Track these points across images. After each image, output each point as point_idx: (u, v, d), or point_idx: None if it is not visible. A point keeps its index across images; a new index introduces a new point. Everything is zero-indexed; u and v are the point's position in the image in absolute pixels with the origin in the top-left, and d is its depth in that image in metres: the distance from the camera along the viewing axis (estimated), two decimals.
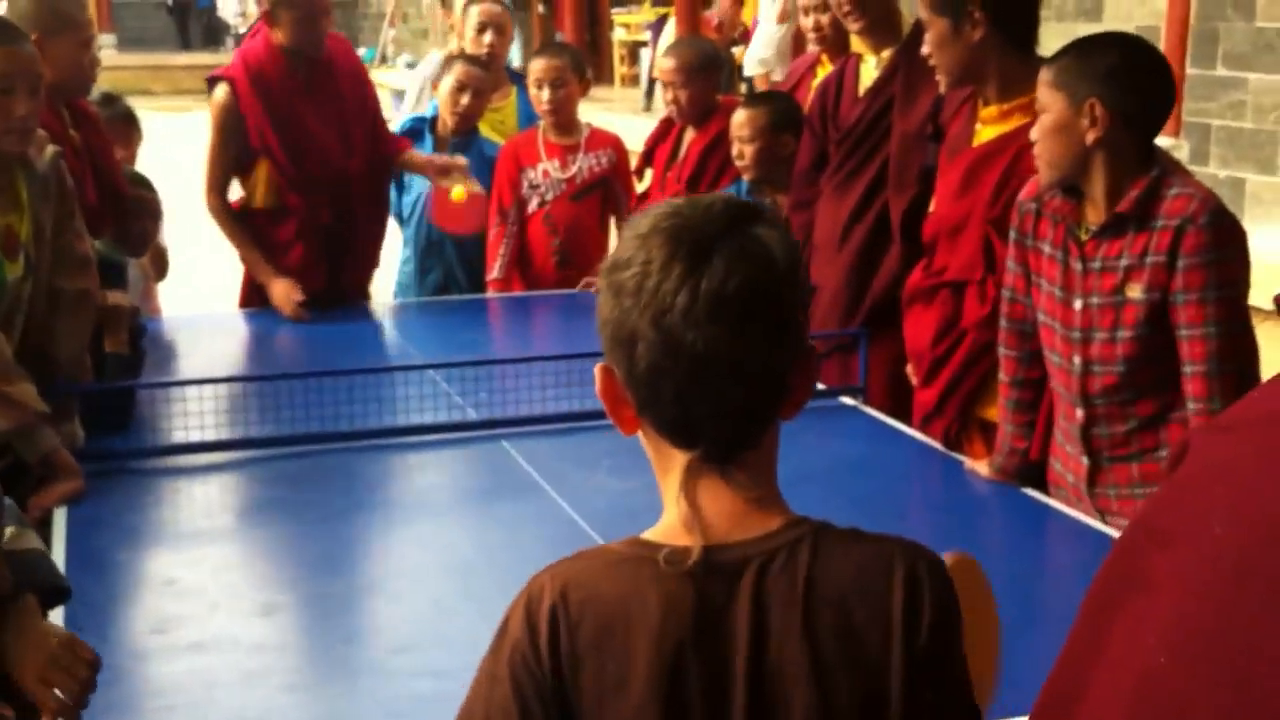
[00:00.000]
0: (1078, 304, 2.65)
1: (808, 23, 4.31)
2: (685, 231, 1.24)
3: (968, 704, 1.31)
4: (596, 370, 1.32)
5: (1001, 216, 3.01)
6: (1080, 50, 2.61)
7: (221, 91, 4.34)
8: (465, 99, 4.76)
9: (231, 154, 4.39)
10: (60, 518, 2.74)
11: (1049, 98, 2.60)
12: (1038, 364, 2.83)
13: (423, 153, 4.67)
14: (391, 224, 4.90)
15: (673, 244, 1.23)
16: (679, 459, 1.29)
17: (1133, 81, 2.57)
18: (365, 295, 4.74)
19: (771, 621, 1.24)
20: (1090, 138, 2.54)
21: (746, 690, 1.23)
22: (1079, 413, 2.69)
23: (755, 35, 10.84)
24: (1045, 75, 2.62)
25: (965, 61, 3.05)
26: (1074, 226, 2.66)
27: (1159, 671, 0.88)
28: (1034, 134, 2.66)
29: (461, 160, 4.55)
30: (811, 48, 4.61)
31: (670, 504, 1.30)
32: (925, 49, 3.12)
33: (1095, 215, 2.62)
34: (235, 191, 4.52)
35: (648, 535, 1.30)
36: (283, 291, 4.33)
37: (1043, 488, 2.90)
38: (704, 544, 1.25)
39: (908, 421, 3.37)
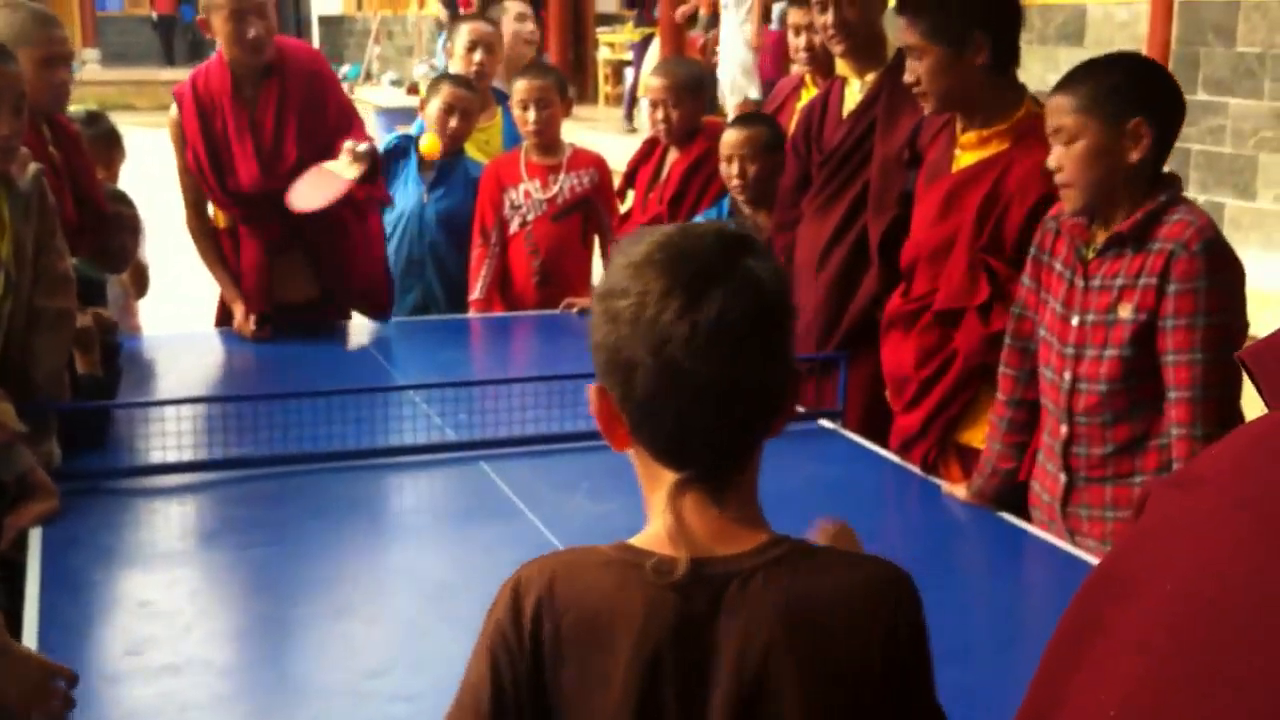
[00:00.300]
0: (1075, 320, 2.67)
1: (799, 42, 4.30)
2: (681, 263, 1.29)
3: (935, 709, 1.37)
4: (590, 390, 1.36)
5: (992, 243, 3.01)
6: (1102, 73, 2.61)
7: (172, 111, 4.30)
8: (454, 121, 4.77)
9: (183, 166, 4.31)
10: (36, 537, 2.73)
11: (1079, 124, 2.58)
12: (1035, 385, 2.84)
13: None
14: None
15: (670, 276, 1.28)
16: (668, 476, 1.34)
17: (1167, 97, 2.60)
18: (380, 303, 4.57)
19: (754, 634, 1.28)
20: (1134, 157, 2.55)
21: (726, 699, 1.28)
22: (1063, 429, 2.71)
23: (723, 66, 10.65)
24: (1068, 102, 2.59)
25: (964, 88, 3.05)
26: (1081, 246, 2.68)
27: (1134, 698, 0.89)
28: (1054, 161, 2.64)
29: (360, 146, 4.29)
30: (797, 68, 4.61)
31: (655, 516, 1.35)
32: (910, 77, 3.11)
33: (1103, 235, 2.64)
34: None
35: (634, 542, 1.35)
36: (240, 315, 4.31)
37: (1019, 512, 2.91)
38: (690, 556, 1.30)
39: (884, 444, 3.38)
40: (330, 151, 4.24)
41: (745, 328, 1.28)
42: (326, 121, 4.30)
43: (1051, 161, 2.66)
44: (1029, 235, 2.90)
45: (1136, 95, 2.56)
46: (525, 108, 4.72)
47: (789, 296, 1.34)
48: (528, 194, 4.75)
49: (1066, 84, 2.63)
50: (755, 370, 1.29)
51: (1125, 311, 2.58)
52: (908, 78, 3.12)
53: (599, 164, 4.89)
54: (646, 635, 1.28)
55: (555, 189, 4.76)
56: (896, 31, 3.20)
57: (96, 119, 4.70)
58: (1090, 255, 2.66)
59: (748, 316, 1.28)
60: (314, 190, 4.14)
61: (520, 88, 4.74)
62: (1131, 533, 0.98)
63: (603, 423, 1.36)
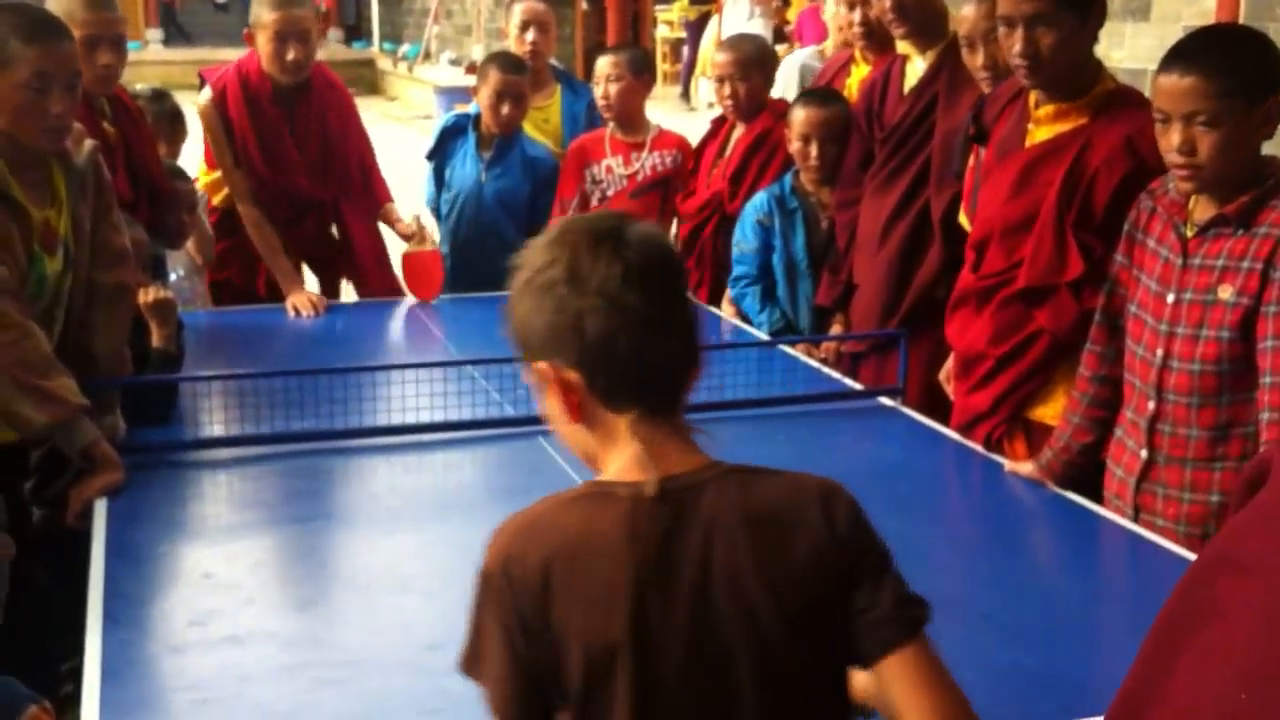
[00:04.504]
0: (1170, 298, 2.63)
1: (853, 16, 4.24)
2: (593, 227, 1.50)
3: (904, 589, 1.49)
4: (535, 373, 1.52)
5: (1080, 218, 2.93)
6: (1238, 53, 2.51)
7: (204, 98, 4.44)
8: (506, 108, 4.77)
9: (230, 157, 4.46)
10: (100, 510, 2.76)
11: (1225, 108, 2.44)
12: (1119, 363, 2.79)
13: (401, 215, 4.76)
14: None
15: (589, 235, 1.48)
16: (621, 422, 1.49)
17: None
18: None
19: (718, 535, 1.44)
20: (1262, 135, 2.50)
21: (699, 594, 1.42)
22: (1150, 405, 2.67)
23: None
24: (1212, 86, 2.44)
25: (1076, 59, 2.94)
26: (1180, 224, 2.64)
27: (1232, 701, 0.87)
28: (1185, 143, 2.49)
29: (429, 232, 4.66)
30: (837, 39, 4.55)
31: (616, 457, 1.50)
32: (1027, 47, 2.87)
33: (1203, 214, 2.59)
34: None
35: (602, 479, 1.51)
36: (304, 301, 4.39)
37: (1084, 491, 2.87)
38: (659, 476, 1.46)
39: (944, 422, 3.34)
40: (359, 173, 4.66)
41: (663, 264, 1.49)
42: (353, 146, 4.65)
43: (1180, 142, 2.50)
44: (1116, 211, 2.83)
45: (1269, 72, 2.49)
46: (599, 85, 4.76)
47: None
48: (609, 169, 4.76)
49: (1200, 65, 2.47)
50: (680, 302, 1.51)
51: (1226, 293, 2.53)
52: (1023, 49, 2.88)
53: (683, 145, 4.88)
54: (631, 552, 1.41)
55: (637, 166, 4.76)
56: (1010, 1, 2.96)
57: (161, 97, 4.74)
58: (1189, 233, 2.62)
59: (663, 256, 1.50)
60: (427, 278, 4.59)
61: (598, 66, 4.81)
62: (1249, 511, 0.95)
63: (558, 394, 1.50)
